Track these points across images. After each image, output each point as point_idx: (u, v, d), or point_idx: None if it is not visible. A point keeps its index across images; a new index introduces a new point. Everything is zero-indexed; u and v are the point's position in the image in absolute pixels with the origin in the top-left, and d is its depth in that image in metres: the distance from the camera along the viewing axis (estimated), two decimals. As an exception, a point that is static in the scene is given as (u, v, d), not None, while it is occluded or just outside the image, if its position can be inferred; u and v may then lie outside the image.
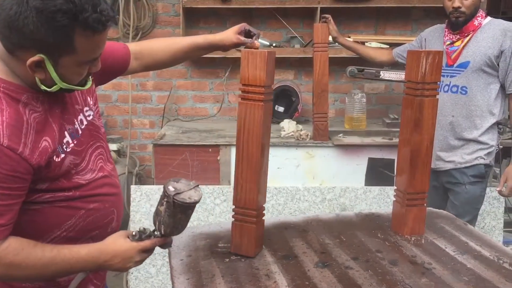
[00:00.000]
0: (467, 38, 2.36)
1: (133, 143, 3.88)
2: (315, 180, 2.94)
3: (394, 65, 3.01)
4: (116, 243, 1.24)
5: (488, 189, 2.71)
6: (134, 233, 1.27)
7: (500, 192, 2.36)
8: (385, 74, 3.18)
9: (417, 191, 1.67)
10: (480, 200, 2.46)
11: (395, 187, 1.74)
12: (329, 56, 3.42)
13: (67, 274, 1.22)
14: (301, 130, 3.05)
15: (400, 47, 2.87)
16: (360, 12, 3.71)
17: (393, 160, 2.82)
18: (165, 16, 3.72)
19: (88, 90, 1.31)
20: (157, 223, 1.27)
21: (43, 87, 1.11)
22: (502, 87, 2.35)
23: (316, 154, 2.91)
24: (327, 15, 2.87)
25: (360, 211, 1.93)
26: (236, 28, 1.58)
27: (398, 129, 1.71)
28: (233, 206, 1.51)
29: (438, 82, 1.62)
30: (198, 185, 1.26)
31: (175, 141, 2.92)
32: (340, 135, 3.02)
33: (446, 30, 2.47)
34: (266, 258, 1.51)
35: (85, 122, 1.28)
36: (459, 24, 2.36)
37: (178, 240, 1.65)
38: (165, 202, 1.22)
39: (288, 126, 3.12)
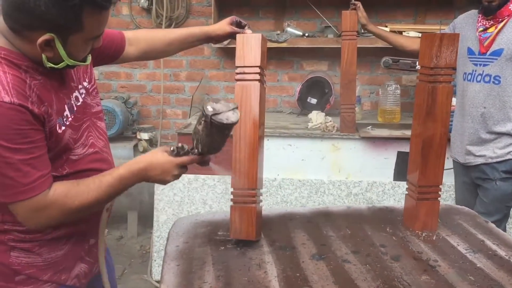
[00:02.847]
0: (501, 24, 2.19)
1: (166, 133, 3.92)
2: (341, 173, 2.84)
3: None
4: (154, 156, 1.27)
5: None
6: (172, 149, 1.29)
7: None
8: (422, 65, 3.03)
9: (430, 184, 1.58)
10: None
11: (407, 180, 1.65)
12: (365, 46, 3.32)
13: (116, 195, 1.27)
14: (329, 121, 2.96)
15: None
16: (398, 0, 3.56)
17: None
18: (198, 6, 3.72)
19: (83, 69, 1.35)
20: (194, 141, 1.29)
21: (49, 65, 1.14)
22: None
23: (342, 146, 2.82)
24: (356, 2, 2.76)
25: (374, 205, 1.84)
26: (228, 19, 1.61)
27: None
28: (232, 189, 1.47)
29: (453, 68, 1.51)
30: (237, 107, 1.26)
31: (199, 130, 2.91)
32: (368, 127, 2.91)
33: (480, 16, 2.31)
34: (262, 248, 1.47)
35: (80, 100, 1.31)
36: (492, 9, 2.19)
37: (179, 226, 1.64)
38: (203, 121, 1.24)
39: (316, 117, 3.04)
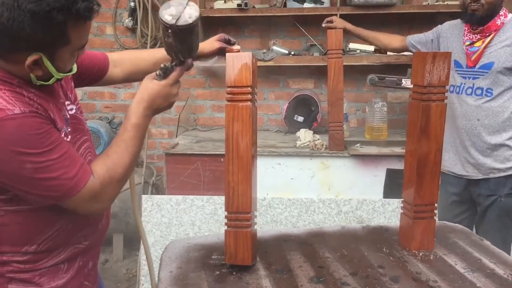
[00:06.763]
0: (488, 39, 2.22)
1: (151, 153, 3.87)
2: (331, 191, 2.83)
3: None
4: (149, 89, 1.28)
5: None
6: (158, 73, 1.31)
7: None
8: (407, 82, 3.05)
9: (425, 202, 1.56)
10: None
11: (402, 199, 1.63)
12: (351, 64, 3.34)
13: (142, 143, 1.30)
14: (317, 139, 2.95)
15: (414, 36, 2.74)
16: (382, 19, 3.60)
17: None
18: (183, 26, 3.71)
19: (68, 86, 1.34)
20: (173, 54, 1.31)
21: (39, 83, 1.13)
22: None
23: (331, 164, 2.81)
24: (329, 19, 2.81)
25: (368, 224, 1.82)
26: (216, 37, 1.62)
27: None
28: (225, 213, 1.44)
29: (446, 86, 1.51)
30: (189, 0, 1.26)
31: (187, 150, 2.88)
32: (357, 145, 2.91)
33: (466, 28, 2.33)
34: (258, 272, 1.43)
35: (68, 116, 1.29)
36: (475, 19, 2.21)
37: (171, 250, 1.59)
38: (170, 34, 1.24)
39: (304, 135, 3.03)
